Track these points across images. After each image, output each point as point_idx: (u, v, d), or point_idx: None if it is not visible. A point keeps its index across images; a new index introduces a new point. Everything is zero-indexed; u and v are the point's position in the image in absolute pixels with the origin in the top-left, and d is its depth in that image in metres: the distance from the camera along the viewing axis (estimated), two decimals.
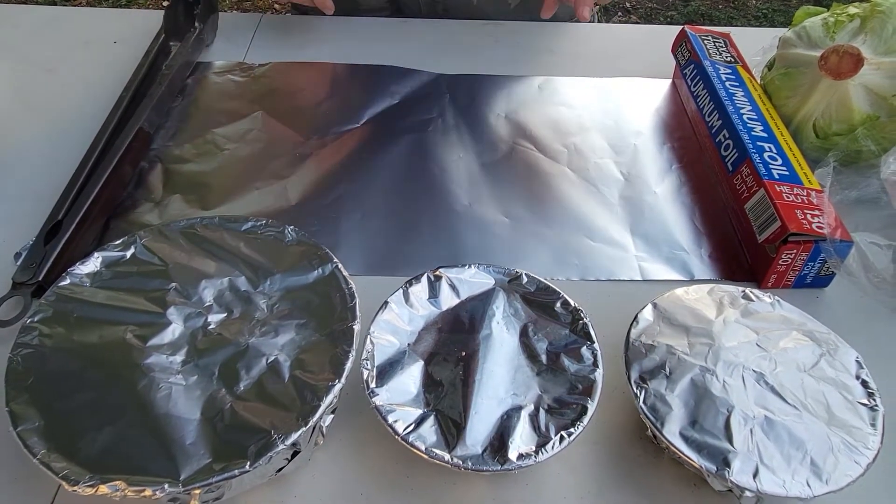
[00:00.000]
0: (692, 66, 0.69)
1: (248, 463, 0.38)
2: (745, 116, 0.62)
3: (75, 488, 0.36)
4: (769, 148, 0.58)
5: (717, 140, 0.62)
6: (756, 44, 0.73)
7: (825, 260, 0.53)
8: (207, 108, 0.69)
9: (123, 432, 0.39)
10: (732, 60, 0.69)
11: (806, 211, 0.53)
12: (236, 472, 0.37)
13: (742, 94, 0.64)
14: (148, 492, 0.36)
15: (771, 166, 0.56)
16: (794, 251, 0.52)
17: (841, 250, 0.52)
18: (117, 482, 0.36)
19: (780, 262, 0.53)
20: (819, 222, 0.52)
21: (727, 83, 0.65)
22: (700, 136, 0.68)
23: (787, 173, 0.56)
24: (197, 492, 0.37)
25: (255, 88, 0.72)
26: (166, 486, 0.36)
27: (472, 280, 0.49)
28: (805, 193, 0.54)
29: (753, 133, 0.60)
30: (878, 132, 0.58)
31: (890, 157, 0.53)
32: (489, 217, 0.60)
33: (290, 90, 0.72)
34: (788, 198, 0.54)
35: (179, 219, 0.51)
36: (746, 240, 0.58)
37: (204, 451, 0.38)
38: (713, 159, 0.64)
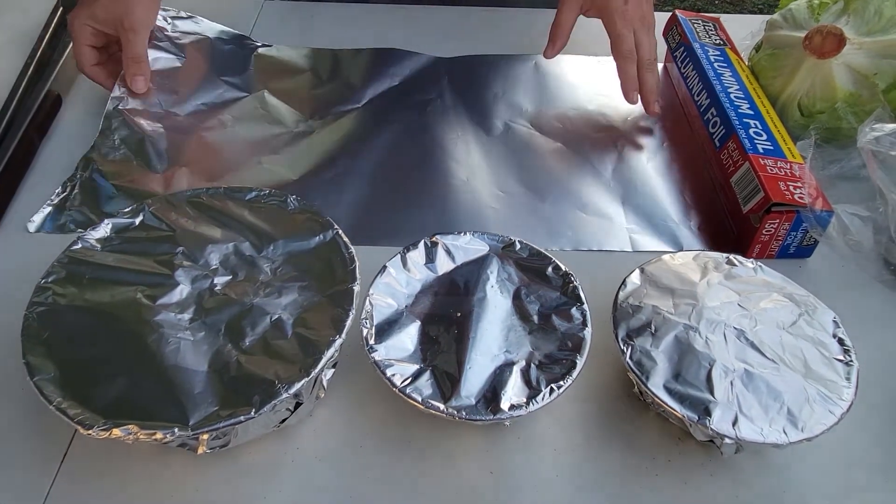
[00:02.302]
0: (682, 48, 0.71)
1: (254, 410, 0.40)
2: (732, 95, 0.64)
3: (90, 432, 0.38)
4: (755, 124, 0.60)
5: (705, 118, 0.65)
6: (745, 29, 0.75)
7: (807, 230, 0.55)
8: (213, 84, 0.70)
9: (135, 382, 0.41)
10: (721, 43, 0.71)
11: (789, 182, 0.55)
12: (242, 418, 0.39)
13: (730, 74, 0.66)
14: (159, 435, 0.38)
15: (756, 141, 0.59)
16: (777, 221, 0.54)
17: (822, 220, 0.54)
18: (130, 426, 0.38)
19: (763, 231, 0.55)
20: (801, 193, 0.54)
21: (716, 64, 0.68)
22: (689, 116, 0.70)
23: (771, 148, 0.58)
24: (205, 437, 0.40)
25: (260, 67, 0.73)
26: (176, 430, 0.38)
27: (467, 246, 0.51)
28: (788, 167, 0.56)
29: (740, 111, 0.62)
30: (858, 107, 0.60)
31: (867, 127, 0.55)
32: (485, 191, 0.62)
33: (294, 71, 0.74)
34: (772, 170, 0.56)
35: (185, 189, 0.53)
36: (732, 212, 0.60)
37: (211, 399, 0.40)
38: (701, 137, 0.66)
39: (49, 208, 0.58)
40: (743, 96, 0.64)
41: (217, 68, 0.72)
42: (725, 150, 0.60)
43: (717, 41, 0.71)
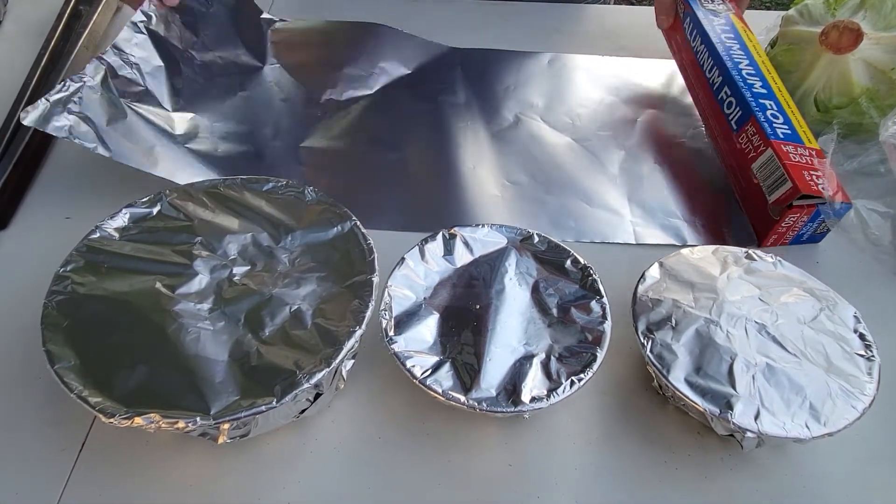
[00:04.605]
0: (688, 18, 0.68)
1: (275, 400, 0.39)
2: (743, 72, 0.62)
3: (112, 420, 0.38)
4: (770, 105, 0.59)
5: (719, 97, 0.63)
6: (760, 24, 0.74)
7: (823, 220, 0.55)
8: (233, 42, 0.70)
9: (155, 371, 0.41)
10: (726, 9, 0.68)
11: (811, 172, 0.54)
12: (263, 408, 0.39)
13: (739, 47, 0.64)
14: (181, 424, 0.38)
15: (774, 125, 0.57)
16: (798, 214, 0.54)
17: (839, 212, 0.54)
18: (152, 415, 0.38)
19: (783, 223, 0.55)
20: (823, 184, 0.54)
21: (723, 35, 0.65)
22: (701, 101, 0.68)
23: (789, 132, 0.57)
24: (226, 426, 0.39)
25: (276, 41, 0.73)
26: (198, 419, 0.38)
27: (485, 239, 0.51)
28: (808, 154, 0.56)
29: (754, 90, 0.60)
30: (876, 102, 0.60)
31: (889, 121, 0.54)
32: (491, 180, 0.62)
33: (309, 46, 0.73)
34: (794, 158, 0.55)
35: (202, 180, 0.53)
36: (745, 197, 0.59)
37: (232, 388, 0.40)
38: (715, 121, 0.65)
39: (46, 104, 0.54)
40: (754, 72, 0.62)
41: (237, 29, 0.70)
42: (744, 134, 0.59)
43: (720, 6, 0.69)
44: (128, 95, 0.60)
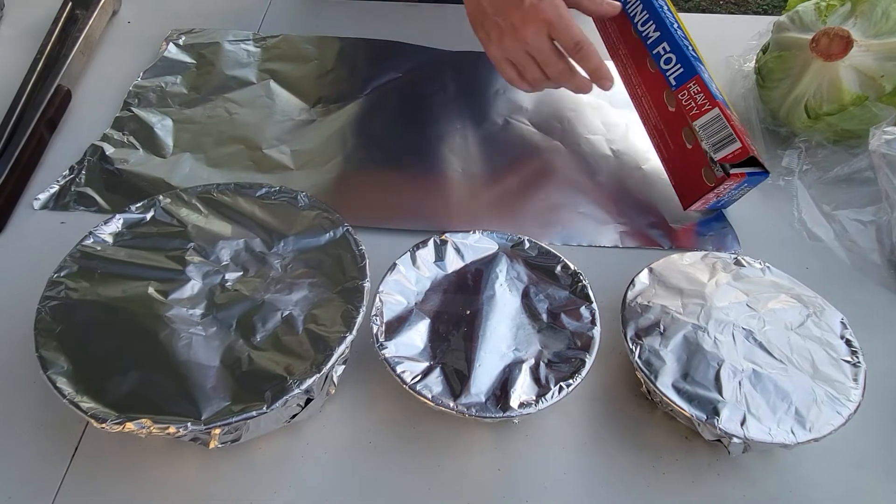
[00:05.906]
0: None
1: (265, 405, 0.40)
2: (677, 32, 0.61)
3: (103, 426, 0.38)
4: (704, 68, 0.59)
5: (654, 52, 0.60)
6: (752, 30, 0.75)
7: (746, 188, 0.56)
8: (219, 74, 0.72)
9: (147, 377, 0.41)
10: None
11: (747, 138, 0.55)
12: (254, 413, 0.40)
13: (667, 8, 0.63)
14: (172, 429, 0.38)
15: (711, 87, 0.57)
16: (735, 181, 0.55)
17: (756, 181, 0.56)
18: (143, 420, 0.38)
19: (718, 188, 0.56)
20: (758, 152, 0.55)
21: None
22: (621, 55, 0.66)
23: (723, 99, 0.57)
24: (216, 431, 0.40)
25: (267, 58, 0.75)
26: (189, 424, 0.39)
27: (476, 245, 0.52)
28: (739, 123, 0.57)
29: (689, 50, 0.60)
30: (868, 109, 0.60)
31: (878, 130, 0.55)
32: (479, 182, 0.63)
33: (300, 61, 0.75)
34: (734, 122, 0.56)
35: (196, 185, 0.53)
36: (673, 160, 0.61)
37: (223, 394, 0.40)
38: (643, 77, 0.63)
39: (55, 187, 0.60)
40: (684, 35, 0.61)
41: (227, 66, 0.74)
42: (686, 91, 0.58)
43: None
44: (125, 164, 0.63)
